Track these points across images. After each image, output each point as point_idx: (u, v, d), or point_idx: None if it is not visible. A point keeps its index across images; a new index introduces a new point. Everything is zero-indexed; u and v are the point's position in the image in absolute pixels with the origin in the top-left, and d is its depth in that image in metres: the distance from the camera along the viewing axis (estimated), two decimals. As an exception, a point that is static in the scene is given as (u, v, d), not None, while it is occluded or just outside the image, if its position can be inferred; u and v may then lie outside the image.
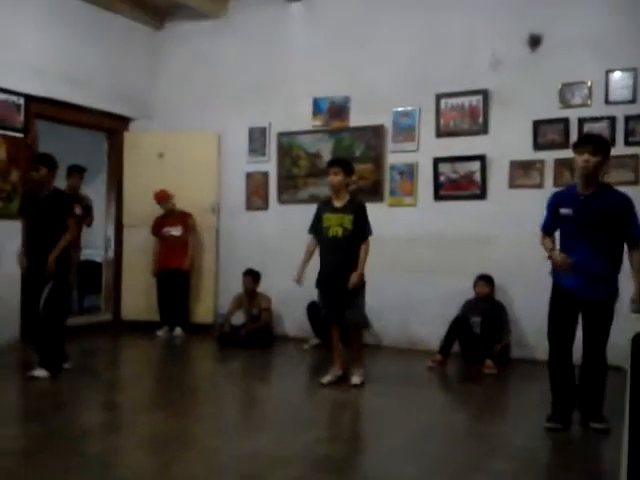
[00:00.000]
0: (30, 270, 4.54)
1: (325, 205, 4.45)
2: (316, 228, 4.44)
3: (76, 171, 6.29)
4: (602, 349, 3.37)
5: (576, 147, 3.37)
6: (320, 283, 4.42)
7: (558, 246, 3.49)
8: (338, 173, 4.32)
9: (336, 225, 4.30)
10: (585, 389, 3.42)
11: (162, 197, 6.53)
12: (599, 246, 3.29)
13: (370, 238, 4.35)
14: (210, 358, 5.85)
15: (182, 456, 2.97)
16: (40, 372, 4.34)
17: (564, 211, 3.40)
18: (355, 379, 4.34)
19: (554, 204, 3.50)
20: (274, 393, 4.48)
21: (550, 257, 3.46)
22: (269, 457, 2.94)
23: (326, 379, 4.37)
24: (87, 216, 6.01)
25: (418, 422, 3.57)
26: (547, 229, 3.57)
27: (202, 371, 5.38)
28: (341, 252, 4.28)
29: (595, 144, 3.31)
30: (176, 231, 6.53)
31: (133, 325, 6.72)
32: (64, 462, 2.83)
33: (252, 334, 5.86)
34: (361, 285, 4.34)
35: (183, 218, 6.57)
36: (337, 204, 4.37)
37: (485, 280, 5.26)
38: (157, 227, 6.63)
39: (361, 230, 4.30)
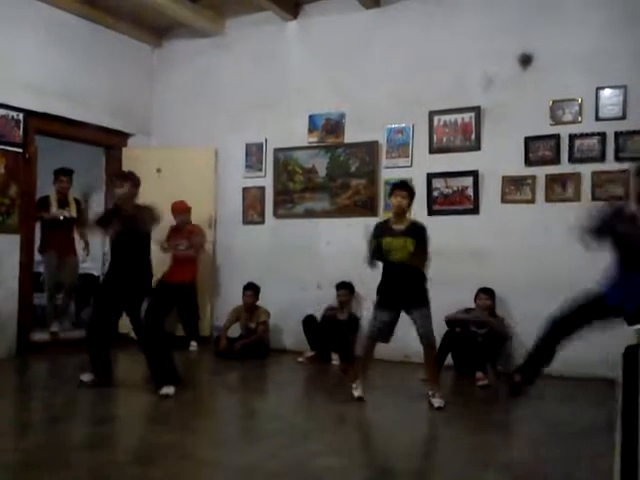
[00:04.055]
0: (109, 283, 4.59)
1: (383, 230, 4.23)
2: (377, 255, 4.20)
3: (62, 174, 6.21)
4: None
5: None
6: (384, 305, 4.22)
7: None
8: (405, 197, 4.18)
9: (399, 249, 4.12)
10: None
11: (179, 209, 6.35)
12: None
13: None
14: (206, 370, 5.87)
15: (178, 469, 2.97)
16: (168, 389, 4.35)
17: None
18: (436, 402, 4.11)
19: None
20: (269, 405, 4.50)
21: None
22: (265, 470, 2.94)
23: (357, 392, 4.26)
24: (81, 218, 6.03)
25: (412, 435, 3.61)
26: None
27: (198, 383, 5.40)
28: (405, 274, 4.13)
29: None
30: (182, 245, 6.39)
31: (129, 338, 6.74)
32: (59, 475, 2.82)
33: (247, 347, 5.89)
34: (427, 301, 4.19)
35: (189, 232, 6.41)
36: (398, 228, 4.19)
37: (487, 293, 5.28)
38: (169, 240, 6.43)
39: (422, 252, 4.15)
